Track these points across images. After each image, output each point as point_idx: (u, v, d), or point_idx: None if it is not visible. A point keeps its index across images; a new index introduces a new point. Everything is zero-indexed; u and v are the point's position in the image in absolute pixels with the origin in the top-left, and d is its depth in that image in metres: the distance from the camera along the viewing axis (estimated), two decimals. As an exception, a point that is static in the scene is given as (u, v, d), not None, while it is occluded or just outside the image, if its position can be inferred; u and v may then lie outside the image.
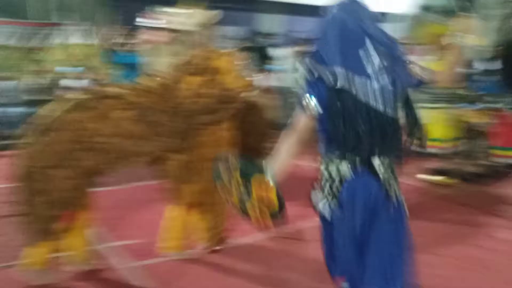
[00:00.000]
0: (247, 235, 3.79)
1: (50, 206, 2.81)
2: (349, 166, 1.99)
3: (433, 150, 7.10)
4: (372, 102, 1.92)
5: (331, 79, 1.94)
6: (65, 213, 2.92)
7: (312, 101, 1.99)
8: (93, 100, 2.87)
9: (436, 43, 6.93)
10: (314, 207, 2.15)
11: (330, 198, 2.06)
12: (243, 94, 3.10)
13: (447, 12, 7.08)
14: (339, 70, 1.93)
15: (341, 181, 2.02)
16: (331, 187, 2.05)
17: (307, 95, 2.01)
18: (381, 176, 1.99)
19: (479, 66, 8.45)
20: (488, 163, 5.98)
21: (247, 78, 3.13)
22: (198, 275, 3.32)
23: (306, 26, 11.84)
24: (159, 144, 2.99)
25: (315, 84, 2.00)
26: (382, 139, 1.96)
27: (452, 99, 7.04)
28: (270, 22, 11.80)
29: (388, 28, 8.80)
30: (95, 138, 2.78)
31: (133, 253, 3.56)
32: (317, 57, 2.01)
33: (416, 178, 5.82)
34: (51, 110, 2.85)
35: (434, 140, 7.14)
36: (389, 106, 1.95)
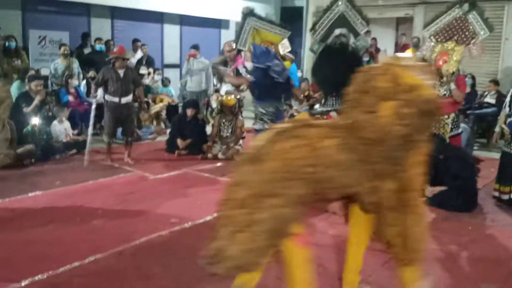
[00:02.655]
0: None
1: (263, 237, 2.63)
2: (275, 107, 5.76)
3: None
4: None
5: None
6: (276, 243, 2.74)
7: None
8: (297, 129, 2.75)
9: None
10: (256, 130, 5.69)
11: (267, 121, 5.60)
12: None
13: (271, 22, 7.42)
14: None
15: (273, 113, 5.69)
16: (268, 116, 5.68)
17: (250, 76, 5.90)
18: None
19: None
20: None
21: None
22: None
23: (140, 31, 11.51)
24: (365, 174, 2.78)
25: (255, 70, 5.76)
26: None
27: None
28: (100, 27, 11.20)
29: (223, 34, 8.99)
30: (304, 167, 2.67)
31: None
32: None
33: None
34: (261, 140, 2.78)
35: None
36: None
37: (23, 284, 3.29)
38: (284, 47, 7.13)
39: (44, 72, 9.38)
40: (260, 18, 7.14)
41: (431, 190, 5.22)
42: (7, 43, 8.45)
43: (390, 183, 2.82)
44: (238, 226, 2.64)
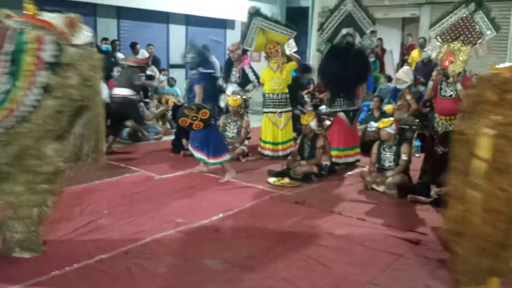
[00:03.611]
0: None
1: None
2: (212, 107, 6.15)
3: (266, 152, 7.36)
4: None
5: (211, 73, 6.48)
6: None
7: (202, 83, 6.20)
8: None
9: (271, 50, 7.22)
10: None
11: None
12: None
13: (277, 22, 7.41)
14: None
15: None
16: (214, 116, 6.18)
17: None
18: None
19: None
20: (326, 163, 6.35)
21: None
22: None
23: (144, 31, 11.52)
24: None
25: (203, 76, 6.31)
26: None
27: (285, 103, 7.38)
28: (106, 26, 11.23)
29: (229, 35, 9.01)
30: None
31: None
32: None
33: (265, 182, 5.95)
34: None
35: (266, 142, 7.40)
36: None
37: (29, 283, 3.30)
38: (291, 47, 7.12)
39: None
40: (266, 18, 7.14)
41: (437, 191, 5.19)
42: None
43: None
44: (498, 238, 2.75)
